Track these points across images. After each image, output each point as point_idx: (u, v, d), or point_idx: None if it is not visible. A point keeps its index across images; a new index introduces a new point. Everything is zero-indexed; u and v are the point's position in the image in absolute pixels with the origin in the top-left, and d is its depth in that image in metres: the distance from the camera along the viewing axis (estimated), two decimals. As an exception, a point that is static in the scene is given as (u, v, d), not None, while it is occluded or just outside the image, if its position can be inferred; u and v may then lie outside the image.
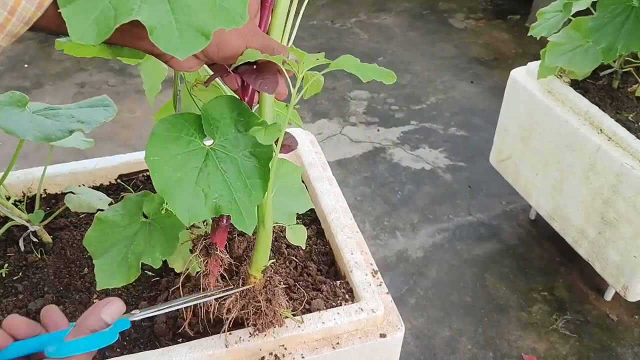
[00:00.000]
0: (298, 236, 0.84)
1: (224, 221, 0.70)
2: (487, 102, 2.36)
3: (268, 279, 0.75)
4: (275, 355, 0.83)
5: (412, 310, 1.49)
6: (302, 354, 0.83)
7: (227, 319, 0.75)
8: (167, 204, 0.74)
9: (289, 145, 0.69)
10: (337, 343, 0.85)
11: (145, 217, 0.77)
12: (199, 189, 0.61)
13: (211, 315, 0.85)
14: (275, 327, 0.79)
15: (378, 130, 2.19)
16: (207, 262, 0.70)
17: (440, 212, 1.81)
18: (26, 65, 2.52)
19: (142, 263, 0.73)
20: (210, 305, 0.80)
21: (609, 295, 1.50)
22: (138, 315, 0.58)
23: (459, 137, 2.15)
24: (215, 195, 0.62)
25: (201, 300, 0.67)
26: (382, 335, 0.87)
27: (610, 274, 1.37)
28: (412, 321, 1.45)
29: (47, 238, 1.01)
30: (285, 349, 0.84)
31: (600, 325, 1.46)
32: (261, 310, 0.73)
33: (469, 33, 2.86)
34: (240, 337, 0.82)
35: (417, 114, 2.29)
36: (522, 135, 1.55)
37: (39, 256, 0.98)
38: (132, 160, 1.15)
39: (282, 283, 0.76)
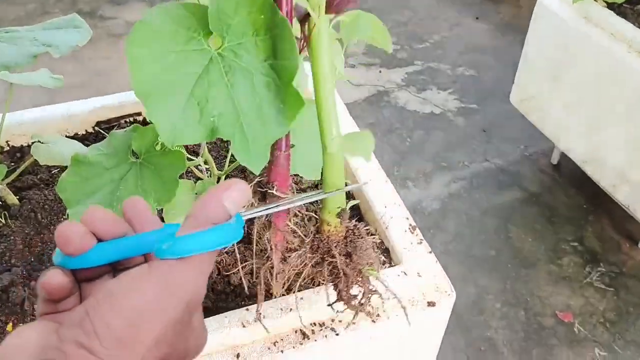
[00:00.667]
0: (361, 145, 0.56)
1: (283, 148, 0.52)
2: (495, 39, 2.17)
3: (349, 227, 0.56)
4: (304, 333, 0.68)
5: (432, 267, 1.35)
6: (335, 330, 0.68)
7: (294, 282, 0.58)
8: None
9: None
10: (377, 315, 0.70)
11: (136, 156, 0.60)
12: (193, 101, 0.45)
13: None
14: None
15: (380, 72, 2.00)
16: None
17: (454, 159, 1.66)
18: (-14, 10, 2.27)
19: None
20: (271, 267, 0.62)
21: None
22: (245, 214, 0.40)
23: (468, 78, 1.98)
24: (213, 113, 0.45)
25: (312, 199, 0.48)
26: (431, 304, 0.72)
27: (655, 221, 1.23)
28: (433, 279, 1.31)
29: (12, 199, 0.83)
30: (315, 324, 0.69)
31: (638, 277, 1.33)
32: (338, 270, 0.55)
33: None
34: (262, 314, 0.66)
35: (421, 53, 2.11)
36: (552, 69, 1.38)
37: (2, 221, 0.81)
38: (113, 103, 0.96)
39: (369, 233, 0.56)
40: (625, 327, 1.24)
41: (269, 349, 0.66)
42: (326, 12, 0.45)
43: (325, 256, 0.55)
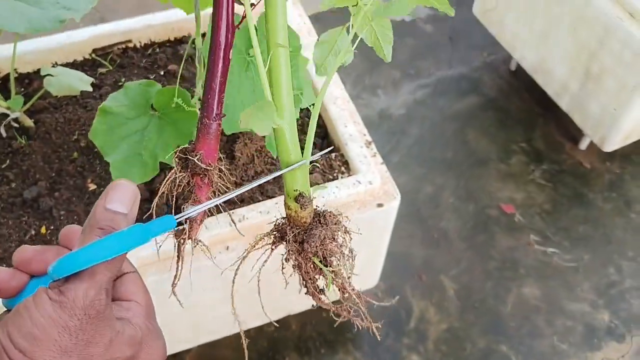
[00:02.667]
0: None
1: (212, 116, 0.51)
2: (468, -58, 2.22)
3: (318, 212, 0.54)
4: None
5: (395, 168, 1.53)
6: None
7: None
8: (177, 97, 0.71)
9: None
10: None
11: (154, 109, 0.74)
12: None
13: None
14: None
15: None
16: (188, 182, 0.52)
17: (421, 67, 1.79)
18: None
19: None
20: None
21: (583, 145, 1.55)
22: (181, 216, 0.44)
23: (439, -16, 2.05)
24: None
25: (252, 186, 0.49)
26: (380, 205, 0.90)
27: (589, 126, 1.40)
28: (395, 179, 1.50)
29: (29, 122, 0.97)
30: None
31: (574, 174, 1.53)
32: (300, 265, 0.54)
33: None
34: (244, 216, 0.83)
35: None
36: (509, -16, 1.48)
37: (23, 142, 0.95)
38: (106, 31, 1.08)
39: (342, 230, 0.54)
40: (558, 216, 1.45)
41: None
42: None
43: (281, 242, 0.54)
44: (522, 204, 1.47)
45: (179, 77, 0.77)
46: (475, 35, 1.85)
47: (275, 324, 1.19)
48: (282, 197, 0.66)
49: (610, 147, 1.39)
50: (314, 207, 0.53)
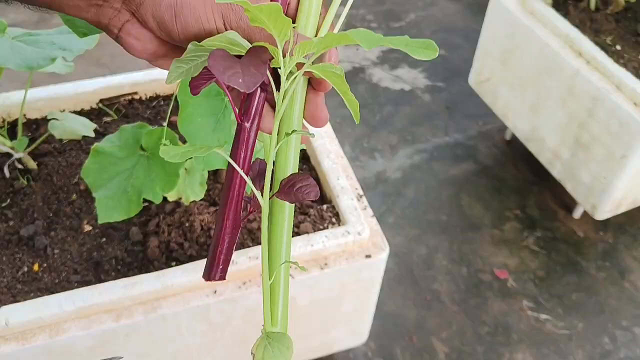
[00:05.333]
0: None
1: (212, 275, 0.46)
2: (466, 20, 2.33)
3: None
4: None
5: (390, 229, 1.55)
6: (291, 274, 0.87)
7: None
8: (165, 138, 0.74)
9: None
10: (325, 264, 0.89)
11: (143, 150, 0.78)
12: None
13: (203, 239, 0.87)
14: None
15: (357, 49, 2.16)
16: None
17: (418, 133, 1.84)
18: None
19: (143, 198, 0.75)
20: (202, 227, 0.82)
21: (577, 213, 1.57)
22: None
23: (438, 57, 2.14)
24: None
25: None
26: (368, 256, 0.91)
27: (581, 194, 1.43)
28: (390, 240, 1.51)
29: (32, 164, 1.00)
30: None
31: (568, 241, 1.54)
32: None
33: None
34: (234, 260, 0.85)
35: (397, 31, 2.26)
36: (502, 57, 1.55)
37: (25, 183, 0.98)
38: (114, 83, 1.13)
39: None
40: (551, 283, 1.45)
41: (239, 287, 0.86)
42: None
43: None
44: (515, 270, 1.47)
45: (167, 118, 0.81)
46: (471, 105, 1.91)
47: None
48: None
49: (602, 215, 1.41)
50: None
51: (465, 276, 1.46)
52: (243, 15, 0.39)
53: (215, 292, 0.85)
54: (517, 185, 1.68)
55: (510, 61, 1.53)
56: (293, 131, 0.43)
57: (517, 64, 1.50)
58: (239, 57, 0.39)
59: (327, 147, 1.04)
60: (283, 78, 0.40)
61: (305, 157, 1.07)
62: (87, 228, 0.93)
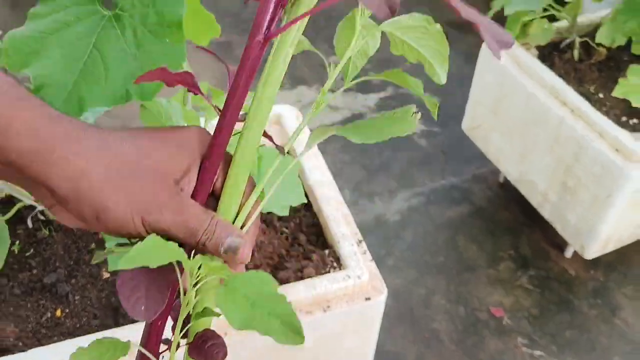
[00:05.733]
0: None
1: None
2: (460, 67, 2.44)
3: None
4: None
5: (390, 272, 1.61)
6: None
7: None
8: None
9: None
10: (328, 306, 0.96)
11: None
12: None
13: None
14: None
15: (356, 97, 2.27)
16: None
17: (415, 177, 1.92)
18: None
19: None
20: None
21: (568, 253, 1.64)
22: None
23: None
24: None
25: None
26: (367, 299, 0.98)
27: (570, 235, 1.50)
28: (390, 281, 1.58)
29: (53, 216, 1.08)
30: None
31: (560, 280, 1.60)
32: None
33: (443, -3, 2.91)
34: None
35: (393, 80, 2.37)
36: (493, 105, 1.64)
37: (47, 233, 1.06)
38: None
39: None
40: (545, 321, 1.51)
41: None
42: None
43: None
44: (510, 308, 1.53)
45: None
46: (466, 149, 2.00)
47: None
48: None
49: (590, 254, 1.47)
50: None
51: (462, 315, 1.52)
52: (161, 217, 0.41)
53: (225, 333, 0.91)
54: (511, 226, 1.76)
55: (499, 109, 1.62)
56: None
57: (506, 113, 1.60)
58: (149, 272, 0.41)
59: (328, 195, 1.12)
60: (190, 289, 0.44)
61: (308, 205, 1.14)
62: (106, 275, 1.00)
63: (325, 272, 1.01)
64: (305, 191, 1.17)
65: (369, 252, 1.05)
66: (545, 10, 1.57)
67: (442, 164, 1.98)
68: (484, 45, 1.65)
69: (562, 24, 1.64)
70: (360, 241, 1.06)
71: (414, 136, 2.08)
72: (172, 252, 0.40)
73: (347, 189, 1.86)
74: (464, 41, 2.60)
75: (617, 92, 1.39)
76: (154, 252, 0.38)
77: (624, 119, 1.42)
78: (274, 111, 1.28)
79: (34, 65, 0.53)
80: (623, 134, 1.30)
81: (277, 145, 0.51)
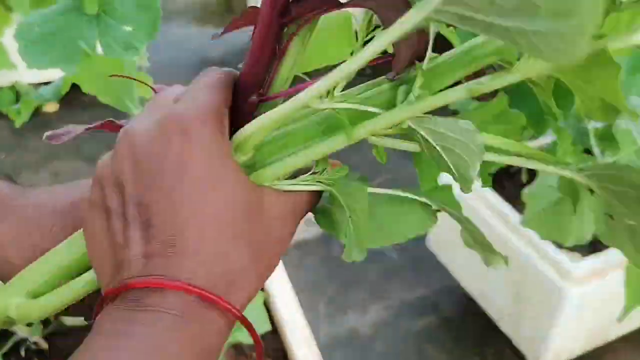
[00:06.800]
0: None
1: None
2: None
3: None
4: None
5: (361, 383, 1.70)
6: None
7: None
8: None
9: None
10: None
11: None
12: None
13: None
14: None
15: (333, 212, 2.43)
16: None
17: (387, 290, 2.05)
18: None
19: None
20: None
21: (531, 361, 1.74)
22: None
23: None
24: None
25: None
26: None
27: (525, 348, 1.61)
28: (361, 393, 1.67)
29: (44, 346, 1.20)
30: None
31: (522, 390, 1.69)
32: None
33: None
34: None
35: (368, 194, 2.54)
36: (450, 224, 1.80)
37: (38, 363, 1.17)
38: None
39: None
40: None
41: None
42: None
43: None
44: (475, 420, 1.61)
45: None
46: (435, 263, 2.14)
47: None
48: None
49: (546, 365, 1.58)
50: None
51: None
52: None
53: None
54: (477, 335, 1.86)
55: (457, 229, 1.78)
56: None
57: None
58: None
59: (288, 318, 1.24)
60: None
61: (273, 330, 1.27)
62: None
63: (287, 395, 1.12)
64: (271, 317, 1.30)
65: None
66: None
67: (412, 277, 2.11)
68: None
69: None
70: (321, 363, 1.17)
71: (385, 249, 2.23)
72: None
73: (322, 302, 1.98)
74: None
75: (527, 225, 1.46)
76: None
77: (564, 239, 1.57)
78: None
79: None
80: (561, 256, 1.45)
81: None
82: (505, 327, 1.68)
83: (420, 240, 2.26)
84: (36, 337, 1.18)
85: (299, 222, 0.39)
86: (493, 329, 1.87)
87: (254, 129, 0.37)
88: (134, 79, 0.75)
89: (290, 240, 0.38)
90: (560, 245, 1.53)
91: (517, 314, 1.60)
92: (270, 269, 0.36)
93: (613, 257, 1.44)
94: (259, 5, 0.37)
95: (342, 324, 1.91)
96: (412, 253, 2.21)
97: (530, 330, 1.56)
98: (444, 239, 1.87)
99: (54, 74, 0.97)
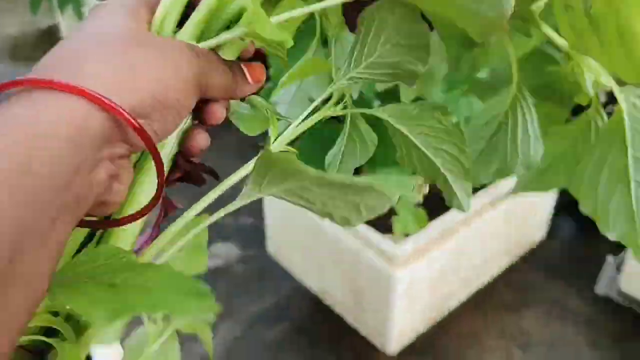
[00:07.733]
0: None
1: None
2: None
3: None
4: None
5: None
6: None
7: None
8: None
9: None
10: None
11: None
12: None
13: None
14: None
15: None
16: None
17: (236, 305, 1.98)
18: None
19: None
20: None
21: (389, 351, 1.77)
22: None
23: (250, 226, 2.36)
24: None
25: None
26: None
27: (372, 336, 1.63)
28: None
29: None
30: None
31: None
32: None
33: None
34: None
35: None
36: (283, 227, 1.79)
37: None
38: None
39: None
40: (368, 423, 1.59)
41: None
42: None
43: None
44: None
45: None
46: (280, 269, 2.12)
47: None
48: None
49: (392, 350, 1.61)
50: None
51: None
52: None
53: None
54: (332, 334, 1.86)
55: (290, 231, 1.77)
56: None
57: (296, 234, 1.74)
58: None
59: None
60: None
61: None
62: None
63: None
64: None
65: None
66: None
67: (260, 287, 2.06)
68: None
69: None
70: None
71: (231, 263, 2.17)
72: None
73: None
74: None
75: (398, 230, 1.56)
76: None
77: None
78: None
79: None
80: (385, 242, 1.48)
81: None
82: (351, 320, 1.69)
83: (262, 250, 2.23)
84: None
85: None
86: (344, 325, 1.88)
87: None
88: None
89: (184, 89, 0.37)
90: (386, 231, 1.57)
91: (358, 306, 1.62)
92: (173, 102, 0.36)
93: (435, 234, 1.50)
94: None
95: (193, 350, 1.82)
96: (257, 264, 2.17)
97: (373, 319, 1.58)
98: (282, 244, 1.85)
99: None
